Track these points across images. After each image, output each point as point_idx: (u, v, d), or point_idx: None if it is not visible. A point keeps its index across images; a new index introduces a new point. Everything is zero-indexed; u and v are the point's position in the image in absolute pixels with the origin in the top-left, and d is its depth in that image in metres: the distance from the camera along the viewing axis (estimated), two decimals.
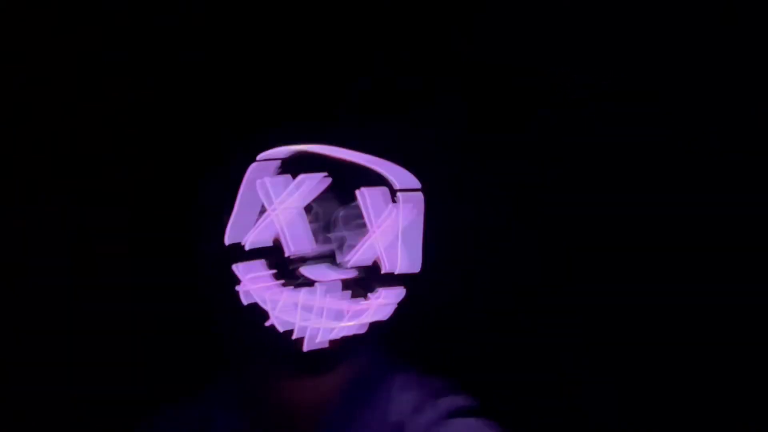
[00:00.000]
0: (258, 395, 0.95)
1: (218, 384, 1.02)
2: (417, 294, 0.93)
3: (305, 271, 0.86)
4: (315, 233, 0.89)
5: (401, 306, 0.92)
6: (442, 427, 0.89)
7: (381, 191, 0.92)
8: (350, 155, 0.92)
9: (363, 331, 0.90)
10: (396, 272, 0.92)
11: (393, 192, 0.93)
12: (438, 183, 0.98)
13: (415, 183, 0.95)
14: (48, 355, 1.18)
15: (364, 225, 0.90)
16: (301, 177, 0.89)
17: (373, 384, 0.95)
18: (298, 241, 0.88)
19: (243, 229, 0.90)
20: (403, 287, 0.91)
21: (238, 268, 0.88)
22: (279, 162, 0.92)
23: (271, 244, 0.89)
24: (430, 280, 0.96)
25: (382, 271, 0.91)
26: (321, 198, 0.89)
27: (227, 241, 0.89)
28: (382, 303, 0.90)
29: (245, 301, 0.88)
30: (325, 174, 0.90)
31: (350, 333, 0.88)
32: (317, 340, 0.86)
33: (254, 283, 0.87)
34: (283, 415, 0.93)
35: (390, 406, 0.93)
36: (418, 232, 0.94)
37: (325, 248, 0.88)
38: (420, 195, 0.95)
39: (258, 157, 0.92)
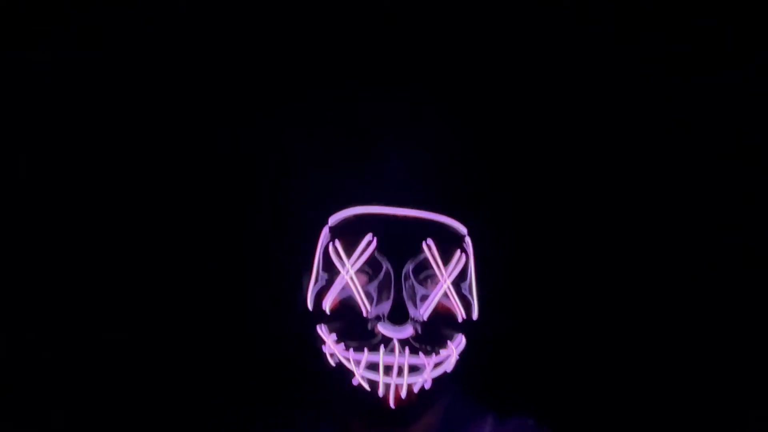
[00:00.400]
0: None
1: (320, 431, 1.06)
2: (476, 338, 0.95)
3: (382, 328, 0.89)
4: (387, 290, 0.92)
5: (464, 353, 0.93)
6: None
7: (442, 241, 0.94)
8: (406, 212, 0.95)
9: (440, 379, 0.92)
10: (474, 318, 0.95)
11: (456, 239, 0.96)
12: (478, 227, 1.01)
13: (463, 229, 0.98)
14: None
15: (433, 275, 0.93)
16: (368, 237, 0.92)
17: (455, 427, 0.97)
18: (373, 299, 0.92)
19: (320, 292, 0.95)
20: (462, 334, 0.93)
21: (322, 329, 0.93)
22: (343, 224, 0.96)
23: (347, 304, 0.92)
24: (486, 323, 0.97)
25: (459, 320, 0.93)
26: (389, 255, 0.92)
27: (310, 305, 0.95)
28: (455, 352, 0.92)
29: (332, 362, 0.92)
30: (389, 233, 0.93)
31: (430, 385, 0.90)
32: (402, 396, 0.89)
33: (337, 343, 0.91)
34: None
35: None
36: (474, 278, 0.97)
37: (398, 303, 0.90)
38: (470, 240, 0.98)
39: (330, 221, 0.97)
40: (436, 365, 0.90)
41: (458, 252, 0.95)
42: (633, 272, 1.25)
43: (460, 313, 0.93)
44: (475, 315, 0.95)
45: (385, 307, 0.90)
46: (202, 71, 1.28)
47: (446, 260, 0.93)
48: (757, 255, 1.21)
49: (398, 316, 0.88)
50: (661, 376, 1.22)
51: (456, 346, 0.92)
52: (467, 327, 0.93)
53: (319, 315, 0.93)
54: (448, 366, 0.91)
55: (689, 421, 1.19)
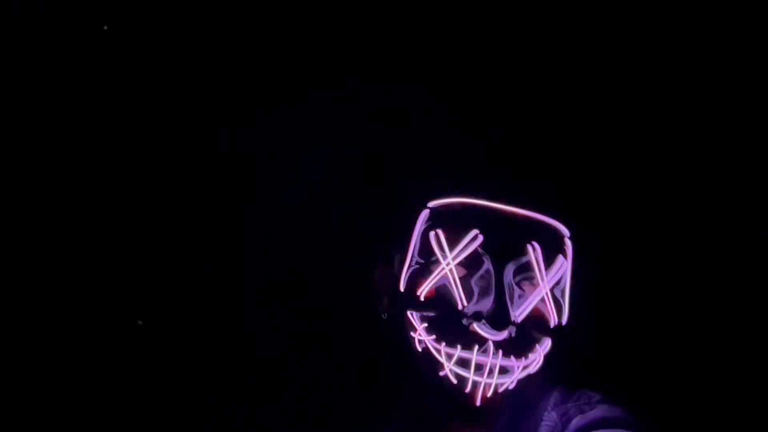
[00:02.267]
0: (427, 429, 0.96)
1: (391, 422, 1.04)
2: (564, 343, 0.93)
3: (479, 328, 0.87)
4: (485, 288, 0.90)
5: (549, 357, 0.91)
6: None
7: (547, 243, 0.92)
8: (514, 209, 0.93)
9: (524, 380, 0.91)
10: (564, 324, 0.93)
11: (559, 242, 0.94)
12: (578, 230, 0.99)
13: (566, 231, 0.95)
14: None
15: (533, 278, 0.91)
16: (474, 232, 0.90)
17: (524, 409, 0.95)
18: (471, 295, 0.90)
19: (414, 277, 0.92)
20: (551, 339, 0.91)
21: (413, 316, 0.91)
22: (446, 211, 0.93)
23: (444, 296, 0.91)
24: (575, 328, 0.95)
25: (552, 325, 0.91)
26: (491, 253, 0.90)
27: (402, 287, 0.93)
28: (542, 356, 0.90)
29: (419, 348, 0.90)
30: (494, 229, 0.91)
31: (514, 386, 0.89)
32: (488, 395, 0.88)
33: (429, 333, 0.89)
34: None
35: (539, 427, 0.94)
36: (569, 283, 0.94)
37: (501, 307, 0.88)
38: (570, 243, 0.96)
39: (430, 205, 0.94)
40: (525, 368, 0.89)
41: (560, 256, 0.92)
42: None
43: (553, 318, 0.91)
44: (565, 320, 0.93)
45: (483, 306, 0.88)
46: (202, 71, 1.29)
47: (548, 264, 0.91)
48: (757, 255, 1.21)
49: (499, 319, 0.87)
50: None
51: (543, 350, 0.90)
52: (557, 332, 0.91)
53: (410, 300, 0.91)
54: (534, 368, 0.89)
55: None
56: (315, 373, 1.25)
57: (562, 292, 0.93)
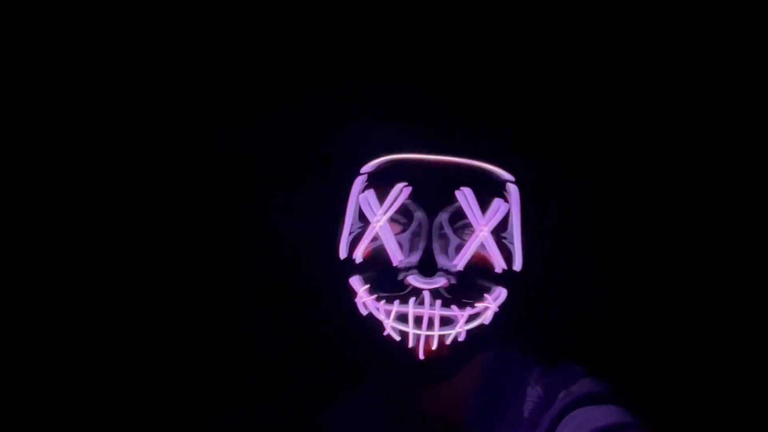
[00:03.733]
0: (395, 403, 0.95)
1: (361, 393, 1.04)
2: (520, 292, 0.91)
3: (412, 279, 0.86)
4: (419, 240, 0.88)
5: (505, 306, 0.89)
6: (575, 414, 0.87)
7: (480, 188, 0.90)
8: (443, 158, 0.92)
9: (476, 332, 0.88)
10: (516, 269, 0.90)
11: (496, 187, 0.92)
12: (526, 176, 0.97)
13: (509, 176, 0.95)
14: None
15: (468, 225, 0.89)
16: (398, 186, 0.90)
17: (504, 384, 0.93)
18: (404, 250, 0.89)
19: (353, 241, 0.92)
20: (504, 287, 0.89)
21: (354, 281, 0.90)
22: (378, 172, 0.94)
23: (379, 254, 0.90)
24: (530, 277, 0.93)
25: (497, 270, 0.89)
26: (421, 204, 0.90)
27: (341, 254, 0.92)
28: (495, 305, 0.88)
29: (363, 312, 0.89)
30: (423, 180, 0.90)
31: (464, 337, 0.86)
32: (433, 348, 0.85)
33: (368, 294, 0.88)
34: (421, 422, 0.93)
35: (524, 402, 0.91)
36: (517, 228, 0.92)
37: (427, 254, 0.87)
38: (516, 188, 0.94)
39: (362, 170, 0.94)
40: (471, 318, 0.86)
41: (497, 200, 0.91)
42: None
43: (499, 264, 0.89)
44: (517, 266, 0.91)
45: (415, 257, 0.87)
46: (201, 71, 1.28)
47: (484, 209, 0.90)
48: (757, 255, 1.21)
49: (427, 267, 0.86)
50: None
51: (495, 299, 0.88)
52: (508, 279, 0.89)
53: (350, 265, 0.91)
54: (485, 319, 0.87)
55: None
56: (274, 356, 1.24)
57: (511, 237, 0.92)
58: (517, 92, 1.22)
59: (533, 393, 0.91)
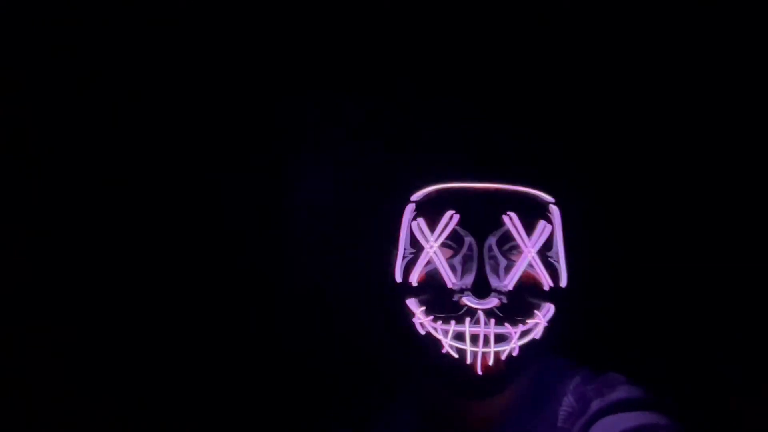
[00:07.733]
0: (436, 415, 1.01)
1: (399, 404, 1.08)
2: (566, 307, 0.96)
3: (467, 300, 0.93)
4: (471, 263, 0.94)
5: (553, 321, 0.95)
6: (606, 419, 0.91)
7: (524, 212, 0.97)
8: (488, 185, 0.98)
9: (529, 347, 0.94)
10: (563, 286, 0.97)
11: (539, 209, 0.99)
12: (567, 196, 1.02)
13: (550, 198, 1.00)
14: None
15: (518, 246, 0.96)
16: (448, 213, 0.96)
17: (545, 393, 0.99)
18: (457, 273, 0.95)
19: (408, 267, 0.98)
20: (552, 303, 0.95)
21: (411, 303, 0.96)
22: (426, 200, 1.00)
23: (433, 277, 0.96)
24: (577, 292, 0.98)
25: (545, 288, 0.95)
26: (470, 229, 0.96)
27: (398, 278, 0.98)
28: (544, 320, 0.94)
29: (421, 332, 0.95)
30: (471, 207, 0.97)
31: (517, 352, 0.93)
32: (490, 363, 0.92)
33: (425, 315, 0.95)
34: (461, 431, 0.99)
35: (558, 410, 0.96)
36: (561, 247, 0.99)
37: (480, 276, 0.93)
38: (557, 209, 1.00)
39: (412, 198, 1.01)
40: (524, 334, 0.93)
41: (542, 222, 0.97)
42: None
43: (547, 282, 0.95)
44: (563, 283, 0.97)
45: (468, 279, 0.93)
46: (202, 71, 1.29)
47: (529, 230, 0.96)
48: (757, 255, 1.21)
49: (481, 288, 0.92)
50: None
51: (544, 315, 0.94)
52: (555, 295, 0.95)
53: (406, 288, 0.97)
54: (537, 334, 0.93)
55: None
56: (320, 372, 1.27)
57: (556, 256, 0.98)
58: (554, 118, 1.27)
59: (567, 402, 0.97)
